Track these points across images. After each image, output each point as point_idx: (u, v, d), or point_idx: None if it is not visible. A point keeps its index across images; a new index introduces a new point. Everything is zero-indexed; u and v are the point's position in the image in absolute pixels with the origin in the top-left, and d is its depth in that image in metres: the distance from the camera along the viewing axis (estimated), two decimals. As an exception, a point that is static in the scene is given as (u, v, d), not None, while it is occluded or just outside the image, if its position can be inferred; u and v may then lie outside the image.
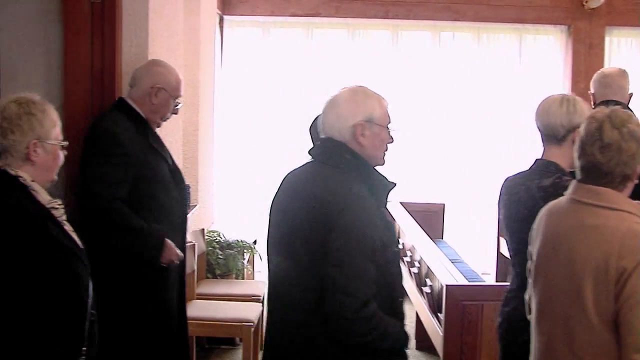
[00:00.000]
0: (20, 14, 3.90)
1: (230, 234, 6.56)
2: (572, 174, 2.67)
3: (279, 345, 2.83)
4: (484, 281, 5.82)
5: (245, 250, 6.42)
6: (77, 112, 3.84)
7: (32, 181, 2.60)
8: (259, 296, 5.66)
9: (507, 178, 3.37)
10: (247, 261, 6.47)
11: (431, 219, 6.99)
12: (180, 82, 3.87)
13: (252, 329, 5.04)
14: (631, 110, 3.86)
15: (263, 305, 5.61)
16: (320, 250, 2.60)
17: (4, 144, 2.61)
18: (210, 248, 6.17)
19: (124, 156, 3.57)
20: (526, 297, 2.81)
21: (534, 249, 2.66)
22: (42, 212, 2.57)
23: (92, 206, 3.55)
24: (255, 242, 6.62)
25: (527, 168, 3.30)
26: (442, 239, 7.25)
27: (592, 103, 4.44)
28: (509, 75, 8.33)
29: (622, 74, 4.52)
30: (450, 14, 8.03)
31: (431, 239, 6.12)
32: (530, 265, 2.72)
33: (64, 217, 2.66)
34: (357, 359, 2.68)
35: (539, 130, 3.34)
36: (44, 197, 2.61)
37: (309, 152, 2.88)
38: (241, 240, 6.44)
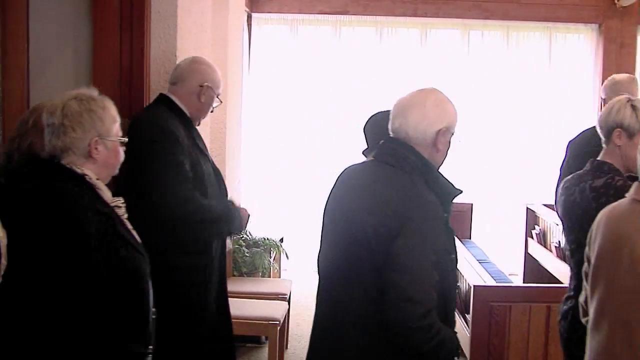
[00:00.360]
0: (49, 12, 3.92)
1: (257, 232, 6.56)
2: (631, 177, 2.65)
3: (328, 347, 2.78)
4: (512, 282, 5.77)
5: (271, 249, 6.41)
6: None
7: (97, 179, 2.58)
8: (285, 295, 5.65)
9: (565, 179, 3.36)
10: (274, 259, 6.47)
11: (459, 219, 6.94)
12: (221, 81, 3.84)
13: (278, 328, 5.02)
14: None
15: (289, 304, 5.60)
16: (384, 253, 2.54)
17: (65, 142, 2.58)
18: (236, 246, 6.18)
19: (184, 152, 3.53)
20: (581, 299, 2.75)
21: (592, 252, 2.58)
22: (111, 211, 2.56)
23: (173, 212, 3.48)
24: (281, 240, 6.62)
25: (584, 168, 3.29)
26: (470, 239, 7.20)
27: (602, 108, 4.43)
28: (538, 74, 8.25)
29: (632, 80, 4.65)
30: (480, 12, 7.97)
31: (459, 239, 6.08)
32: (586, 268, 2.65)
33: (125, 216, 2.65)
34: None
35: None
36: (108, 195, 2.59)
37: (363, 152, 2.84)
38: (268, 238, 6.44)
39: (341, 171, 2.89)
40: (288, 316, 5.65)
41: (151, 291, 2.62)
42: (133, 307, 2.52)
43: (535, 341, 4.36)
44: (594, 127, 3.38)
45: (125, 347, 2.50)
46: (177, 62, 3.91)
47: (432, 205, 2.60)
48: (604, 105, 4.52)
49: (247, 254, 6.16)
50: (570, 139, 4.50)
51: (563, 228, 3.38)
